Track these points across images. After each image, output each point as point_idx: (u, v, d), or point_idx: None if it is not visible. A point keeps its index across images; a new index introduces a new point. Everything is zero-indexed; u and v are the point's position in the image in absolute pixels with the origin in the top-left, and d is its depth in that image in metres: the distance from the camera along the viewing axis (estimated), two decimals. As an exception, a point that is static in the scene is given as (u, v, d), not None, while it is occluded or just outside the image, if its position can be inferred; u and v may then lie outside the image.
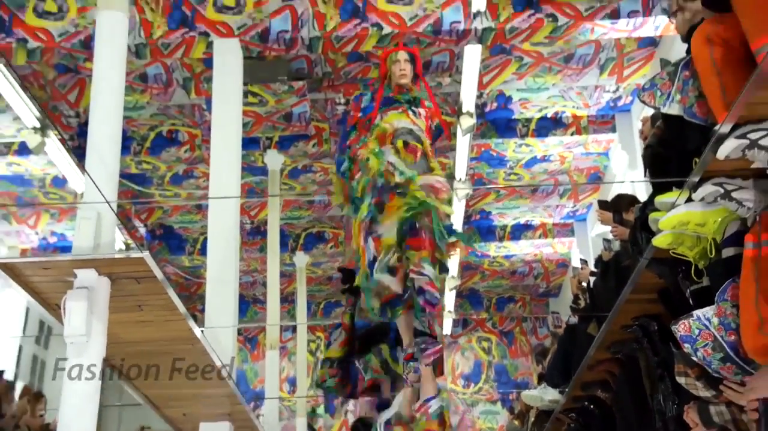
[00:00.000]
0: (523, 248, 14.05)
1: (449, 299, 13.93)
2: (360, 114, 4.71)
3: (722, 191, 2.68)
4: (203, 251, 10.26)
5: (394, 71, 4.67)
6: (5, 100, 8.24)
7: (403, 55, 4.73)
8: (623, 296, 3.94)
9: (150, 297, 4.20)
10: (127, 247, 8.87)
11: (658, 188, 3.29)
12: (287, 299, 13.86)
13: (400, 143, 4.40)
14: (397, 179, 4.27)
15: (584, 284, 6.24)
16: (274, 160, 10.27)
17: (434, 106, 4.82)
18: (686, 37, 3.13)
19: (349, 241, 4.56)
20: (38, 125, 8.46)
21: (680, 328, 2.74)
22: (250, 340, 16.13)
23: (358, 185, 4.38)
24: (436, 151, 4.80)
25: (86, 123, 4.42)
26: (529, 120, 10.46)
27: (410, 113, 4.59)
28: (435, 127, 4.78)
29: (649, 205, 3.39)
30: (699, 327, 2.69)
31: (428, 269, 4.04)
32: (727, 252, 2.73)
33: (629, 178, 9.95)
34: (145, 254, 3.85)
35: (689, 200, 2.85)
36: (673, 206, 2.92)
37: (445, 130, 5.16)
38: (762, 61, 2.23)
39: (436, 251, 4.20)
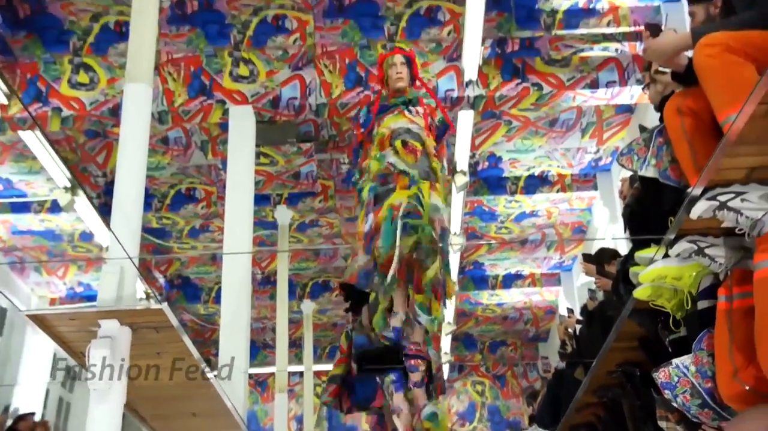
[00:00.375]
0: (514, 296, 13.97)
1: (446, 343, 13.80)
2: (362, 130, 4.42)
3: (696, 247, 2.68)
4: (217, 300, 10.20)
5: (390, 75, 4.37)
6: (40, 163, 8.33)
7: (399, 58, 4.41)
8: (607, 344, 3.89)
9: (168, 346, 4.15)
10: (147, 296, 8.83)
11: (638, 244, 3.29)
12: (295, 344, 13.69)
13: (398, 144, 4.12)
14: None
15: (570, 330, 6.20)
16: (283, 215, 10.28)
17: (437, 102, 4.45)
18: (659, 107, 3.17)
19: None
20: (69, 185, 8.51)
21: (661, 375, 2.71)
22: (260, 383, 15.94)
23: (363, 189, 4.17)
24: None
25: (112, 182, 4.43)
26: (518, 178, 10.50)
27: (406, 112, 4.27)
28: (439, 122, 4.42)
29: (629, 259, 3.39)
30: (678, 375, 2.66)
31: (423, 318, 3.87)
32: (702, 304, 2.72)
33: (610, 231, 9.95)
34: (164, 306, 3.82)
35: (666, 255, 2.85)
36: (651, 261, 2.92)
37: (451, 125, 4.55)
38: (728, 132, 2.25)
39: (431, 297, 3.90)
